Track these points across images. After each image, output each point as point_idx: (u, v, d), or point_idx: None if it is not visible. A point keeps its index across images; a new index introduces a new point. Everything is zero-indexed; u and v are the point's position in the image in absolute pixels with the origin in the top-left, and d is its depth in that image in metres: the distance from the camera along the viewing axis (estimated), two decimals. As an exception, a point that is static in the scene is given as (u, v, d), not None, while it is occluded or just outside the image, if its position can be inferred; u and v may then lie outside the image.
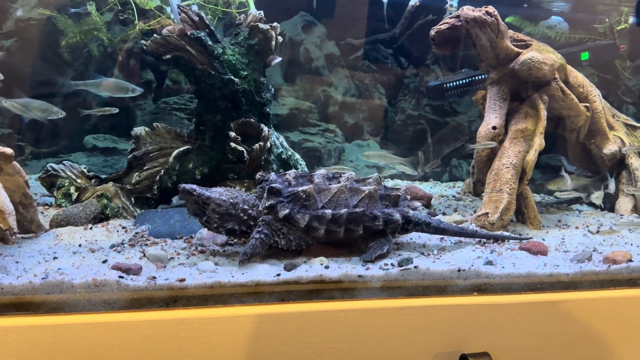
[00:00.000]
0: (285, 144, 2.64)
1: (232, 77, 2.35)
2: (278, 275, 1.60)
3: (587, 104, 2.57)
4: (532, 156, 2.33)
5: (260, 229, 1.75)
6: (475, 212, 2.34)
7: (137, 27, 2.58)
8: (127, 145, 2.68)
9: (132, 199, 2.33)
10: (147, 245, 1.89)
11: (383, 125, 3.66)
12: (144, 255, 1.73)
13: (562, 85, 2.45)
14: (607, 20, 3.37)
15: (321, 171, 1.91)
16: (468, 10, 2.35)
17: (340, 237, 1.80)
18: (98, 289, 1.46)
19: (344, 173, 1.92)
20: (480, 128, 2.43)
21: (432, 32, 2.50)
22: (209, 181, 2.40)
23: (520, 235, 2.16)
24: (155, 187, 2.33)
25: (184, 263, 1.71)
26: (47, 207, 2.35)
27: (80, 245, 1.85)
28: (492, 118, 2.41)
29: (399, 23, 3.56)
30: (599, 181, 2.73)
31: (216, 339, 1.46)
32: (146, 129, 2.44)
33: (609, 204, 2.70)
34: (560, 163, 2.84)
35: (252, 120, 2.42)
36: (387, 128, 3.67)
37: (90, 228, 2.06)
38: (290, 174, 1.85)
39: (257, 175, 1.90)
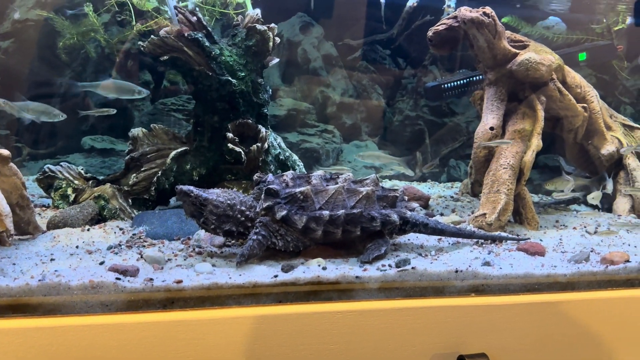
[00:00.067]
0: (283, 144, 2.64)
1: (230, 78, 2.35)
2: (275, 276, 1.60)
3: (585, 105, 2.58)
4: (529, 157, 2.33)
5: (257, 230, 1.75)
6: (473, 212, 2.34)
7: (135, 29, 2.58)
8: (125, 146, 2.68)
9: (130, 200, 2.33)
10: (144, 246, 1.88)
11: (381, 125, 3.67)
12: (141, 257, 1.73)
13: (560, 85, 2.46)
14: (604, 20, 3.38)
15: (319, 172, 1.91)
16: (465, 11, 2.35)
17: (337, 238, 1.80)
18: (95, 291, 1.46)
19: (341, 174, 1.92)
20: (478, 129, 2.43)
21: (430, 33, 2.50)
22: (206, 182, 2.40)
23: (517, 235, 2.16)
24: (153, 189, 2.33)
25: (181, 264, 1.71)
26: (44, 208, 2.35)
27: (77, 247, 1.85)
28: (490, 119, 2.41)
29: (397, 24, 3.56)
30: (597, 181, 2.73)
31: (213, 341, 1.46)
32: (144, 130, 2.43)
33: (607, 204, 2.71)
34: (558, 163, 2.84)
35: (250, 121, 2.42)
36: (385, 129, 3.67)
37: (88, 229, 2.06)
38: (288, 175, 1.85)
39: (255, 177, 1.90)
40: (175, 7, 2.34)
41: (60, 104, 2.87)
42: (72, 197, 2.32)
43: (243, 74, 2.39)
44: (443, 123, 3.64)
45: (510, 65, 2.38)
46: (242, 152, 2.34)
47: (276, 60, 2.54)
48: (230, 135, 2.34)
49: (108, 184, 2.33)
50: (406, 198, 2.02)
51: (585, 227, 2.36)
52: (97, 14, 2.78)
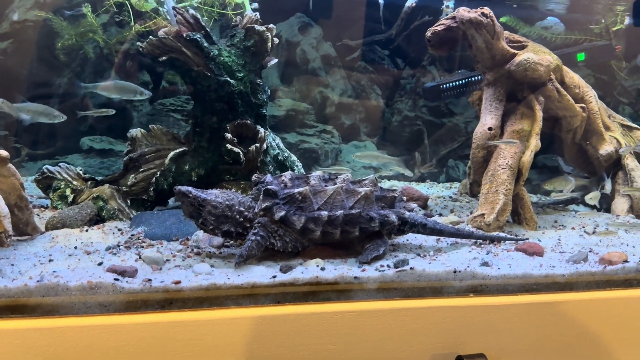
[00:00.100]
0: (281, 145, 2.64)
1: (228, 78, 2.35)
2: (274, 277, 1.60)
3: (583, 105, 2.58)
4: (528, 157, 2.34)
5: (256, 230, 1.75)
6: (471, 213, 2.34)
7: (134, 29, 2.58)
8: (123, 147, 2.67)
9: (128, 201, 2.33)
10: (142, 247, 1.88)
11: (380, 126, 3.67)
12: (140, 258, 1.73)
13: (558, 86, 2.46)
14: (603, 21, 3.38)
15: (317, 173, 1.91)
16: (464, 12, 2.35)
17: (336, 239, 1.80)
18: (93, 292, 1.46)
19: (340, 174, 1.92)
20: (477, 129, 2.43)
21: (428, 34, 2.50)
22: (205, 183, 2.40)
23: (516, 236, 2.17)
24: (151, 189, 2.33)
25: (179, 265, 1.71)
26: (43, 209, 2.35)
27: (75, 248, 1.85)
28: (488, 119, 2.41)
29: (396, 24, 3.56)
30: (596, 182, 2.73)
31: (212, 342, 1.46)
32: (142, 130, 2.43)
33: (605, 204, 2.71)
34: (557, 164, 2.84)
35: (249, 121, 2.42)
36: (384, 129, 3.67)
37: (86, 230, 2.06)
38: (286, 175, 1.85)
39: (253, 177, 1.90)
40: (174, 8, 2.34)
41: (59, 104, 2.87)
42: (70, 198, 2.32)
43: (242, 75, 2.39)
44: (442, 123, 3.64)
45: (509, 66, 2.38)
46: (241, 153, 2.34)
47: (275, 60, 2.54)
48: (228, 135, 2.34)
49: (107, 185, 2.33)
50: (405, 198, 2.02)
51: (583, 227, 2.36)
52: (95, 14, 2.78)
